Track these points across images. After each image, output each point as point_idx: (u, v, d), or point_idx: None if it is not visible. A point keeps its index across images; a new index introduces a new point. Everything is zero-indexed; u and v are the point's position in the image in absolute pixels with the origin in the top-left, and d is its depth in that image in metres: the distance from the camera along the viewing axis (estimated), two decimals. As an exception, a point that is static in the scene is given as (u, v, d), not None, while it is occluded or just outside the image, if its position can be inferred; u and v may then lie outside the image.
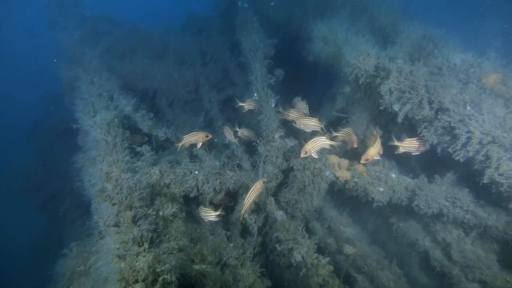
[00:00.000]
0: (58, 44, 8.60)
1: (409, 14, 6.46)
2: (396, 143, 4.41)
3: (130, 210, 3.88)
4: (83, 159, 5.32)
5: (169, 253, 3.59)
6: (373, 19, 6.58)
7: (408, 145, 4.46)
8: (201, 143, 5.38)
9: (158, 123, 6.41)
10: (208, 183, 5.11)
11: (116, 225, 3.66)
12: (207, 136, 5.30)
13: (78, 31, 8.97)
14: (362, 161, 4.29)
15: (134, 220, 3.75)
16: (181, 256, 3.64)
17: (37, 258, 10.10)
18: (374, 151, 4.25)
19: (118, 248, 3.38)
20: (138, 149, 5.17)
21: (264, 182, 4.67)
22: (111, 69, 7.80)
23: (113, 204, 3.92)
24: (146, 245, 3.51)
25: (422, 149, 4.48)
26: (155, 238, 3.72)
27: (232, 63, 9.33)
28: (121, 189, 4.04)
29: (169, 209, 4.47)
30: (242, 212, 4.65)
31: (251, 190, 4.49)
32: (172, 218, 4.49)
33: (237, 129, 5.92)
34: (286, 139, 5.52)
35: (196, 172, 5.08)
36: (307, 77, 9.67)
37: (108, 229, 3.65)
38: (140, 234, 3.56)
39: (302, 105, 5.62)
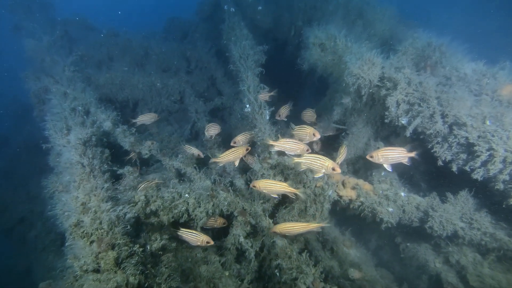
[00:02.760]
0: (25, 51, 7.76)
1: (406, 21, 6.22)
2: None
3: (112, 249, 3.29)
4: (55, 183, 4.64)
5: (160, 301, 3.05)
6: (369, 25, 6.28)
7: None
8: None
9: (140, 138, 5.80)
10: (200, 207, 4.58)
11: (96, 270, 3.07)
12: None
13: (48, 36, 8.15)
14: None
15: (118, 262, 3.17)
16: (175, 303, 3.10)
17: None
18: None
19: (98, 302, 2.81)
20: (120, 171, 4.57)
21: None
22: (87, 79, 7.11)
23: (91, 242, 3.33)
24: (133, 294, 2.94)
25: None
26: (143, 283, 3.16)
27: (219, 71, 8.81)
28: (100, 222, 3.44)
29: (158, 242, 3.91)
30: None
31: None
32: (161, 252, 3.93)
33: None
34: (284, 155, 5.08)
35: (186, 195, 4.53)
36: (296, 84, 9.32)
37: (85, 276, 3.04)
38: (126, 281, 2.98)
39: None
